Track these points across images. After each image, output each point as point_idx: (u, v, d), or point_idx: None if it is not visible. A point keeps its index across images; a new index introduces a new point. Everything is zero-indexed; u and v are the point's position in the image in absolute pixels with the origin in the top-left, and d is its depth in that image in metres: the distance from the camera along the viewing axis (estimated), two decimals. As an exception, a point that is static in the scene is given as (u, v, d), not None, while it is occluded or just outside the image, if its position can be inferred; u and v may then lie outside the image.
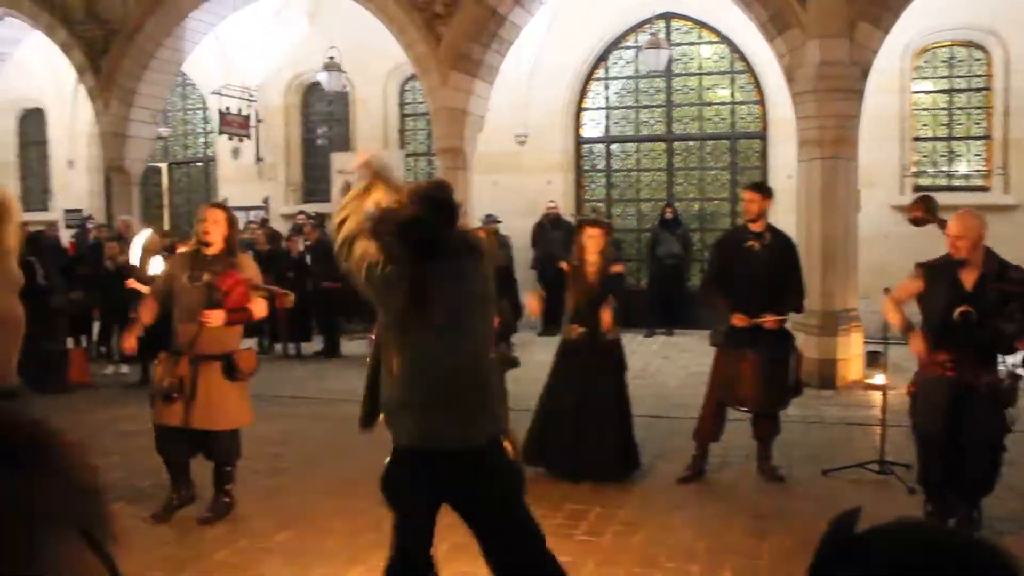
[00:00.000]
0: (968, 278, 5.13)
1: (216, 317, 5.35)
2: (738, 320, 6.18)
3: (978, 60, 13.20)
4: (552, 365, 6.65)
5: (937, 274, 5.24)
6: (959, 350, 5.09)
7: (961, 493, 5.30)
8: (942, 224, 5.50)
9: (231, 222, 5.63)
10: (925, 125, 13.48)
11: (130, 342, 5.83)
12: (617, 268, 6.66)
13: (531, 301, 6.79)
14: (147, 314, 5.65)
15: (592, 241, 6.49)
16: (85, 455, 0.77)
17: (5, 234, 4.06)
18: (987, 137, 13.14)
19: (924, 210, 5.96)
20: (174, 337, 5.48)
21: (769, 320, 6.17)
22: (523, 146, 14.91)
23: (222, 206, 5.80)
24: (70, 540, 0.71)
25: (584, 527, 5.45)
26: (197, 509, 5.67)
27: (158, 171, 18.02)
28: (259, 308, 5.66)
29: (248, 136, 16.51)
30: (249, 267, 5.74)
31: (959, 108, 13.37)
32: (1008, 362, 5.27)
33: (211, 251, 5.49)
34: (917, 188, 13.21)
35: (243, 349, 5.69)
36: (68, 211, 18.48)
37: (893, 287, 6.45)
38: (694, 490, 6.22)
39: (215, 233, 5.48)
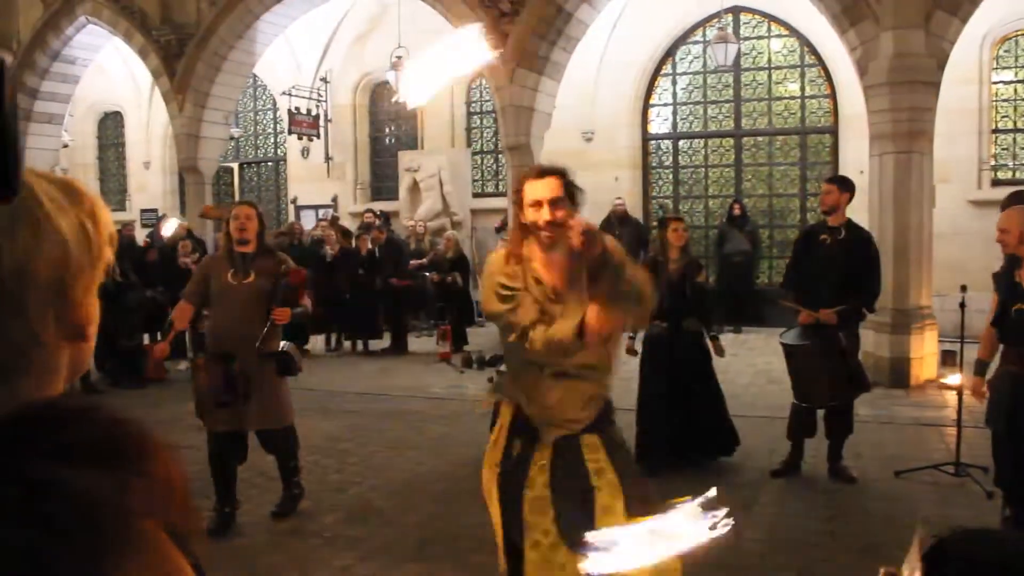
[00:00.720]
0: None
1: (285, 314, 5.34)
2: (802, 318, 6.19)
3: (1062, 49, 12.76)
4: (640, 364, 6.73)
5: (1001, 276, 5.29)
6: (1021, 348, 5.04)
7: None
8: None
9: (261, 220, 5.59)
10: (1005, 117, 13.06)
11: (163, 348, 5.90)
12: (702, 277, 6.74)
13: None
14: (182, 320, 5.54)
15: (682, 235, 6.61)
16: (174, 454, 0.78)
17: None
18: (1071, 129, 12.70)
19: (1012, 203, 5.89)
20: (215, 339, 5.39)
21: (825, 314, 6.09)
22: (590, 143, 14.87)
23: (253, 204, 5.73)
24: (160, 540, 0.73)
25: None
26: (268, 504, 5.78)
27: (230, 171, 18.42)
28: (310, 304, 5.74)
29: (317, 135, 16.79)
30: (291, 264, 5.69)
31: (1041, 99, 12.94)
32: None
33: (247, 249, 5.41)
34: (996, 182, 12.85)
35: (288, 346, 5.60)
36: (144, 211, 19.00)
37: (974, 284, 6.34)
38: (764, 488, 6.13)
39: (251, 231, 5.41)
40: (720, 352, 6.73)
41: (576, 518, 3.08)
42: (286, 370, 5.45)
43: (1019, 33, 12.87)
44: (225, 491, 5.43)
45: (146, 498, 0.72)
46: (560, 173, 3.16)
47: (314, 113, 16.65)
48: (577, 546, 2.73)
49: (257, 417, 5.36)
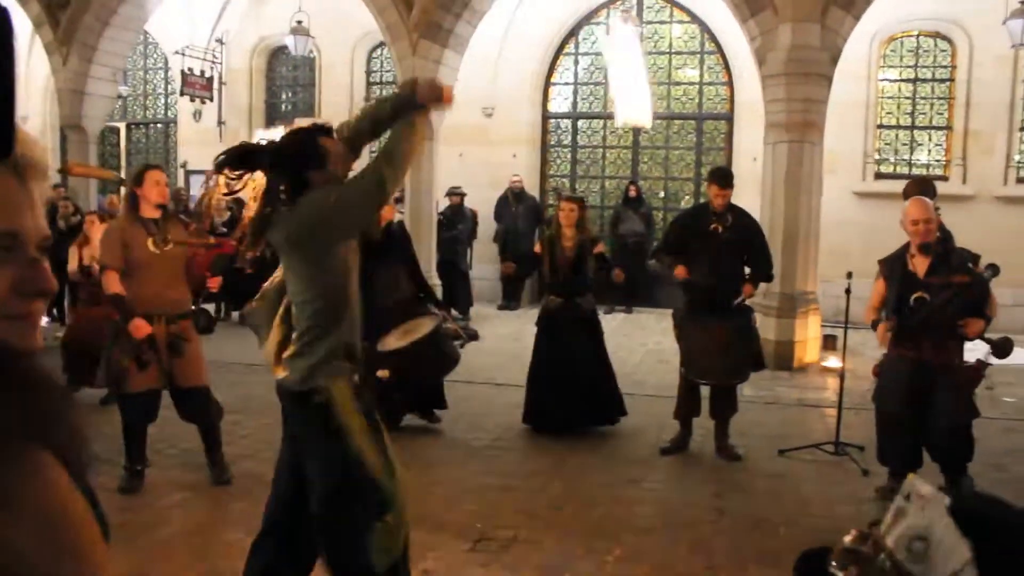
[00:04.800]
0: (921, 266, 5.35)
1: (218, 282, 5.64)
2: (680, 272, 6.37)
3: (943, 51, 13.34)
4: (536, 336, 7.13)
5: (895, 266, 5.49)
6: (918, 333, 5.30)
7: (942, 467, 5.46)
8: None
9: (168, 185, 5.87)
10: (889, 113, 13.61)
11: (143, 324, 5.88)
12: (600, 248, 7.06)
13: (506, 267, 7.67)
14: (119, 288, 5.45)
15: (570, 215, 6.90)
16: (53, 376, 0.74)
17: None
18: (948, 128, 13.31)
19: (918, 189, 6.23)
20: (141, 305, 5.36)
21: (748, 290, 6.40)
22: (490, 119, 14.82)
23: (161, 168, 5.83)
24: (46, 465, 0.67)
25: (544, 501, 5.48)
26: (160, 476, 5.62)
27: (116, 131, 17.67)
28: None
29: (211, 98, 16.23)
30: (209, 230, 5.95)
31: (922, 98, 13.52)
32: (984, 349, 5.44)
33: (158, 215, 5.49)
34: (879, 175, 13.41)
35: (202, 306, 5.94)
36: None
37: (855, 272, 6.62)
38: (653, 465, 6.27)
39: (165, 196, 5.60)
40: (621, 278, 7.09)
41: None
42: (206, 328, 5.81)
43: (904, 34, 13.41)
44: (138, 450, 5.51)
45: (27, 418, 0.67)
46: None
47: (208, 75, 16.09)
48: None
49: (186, 373, 5.48)
